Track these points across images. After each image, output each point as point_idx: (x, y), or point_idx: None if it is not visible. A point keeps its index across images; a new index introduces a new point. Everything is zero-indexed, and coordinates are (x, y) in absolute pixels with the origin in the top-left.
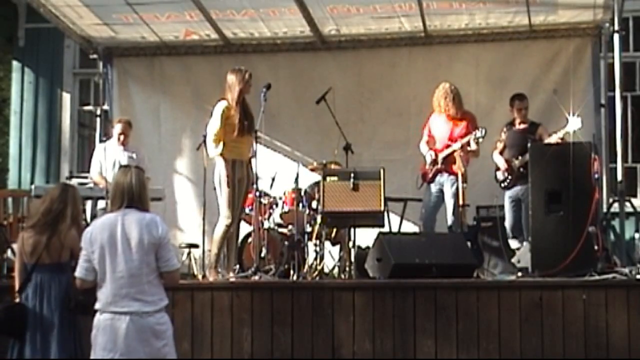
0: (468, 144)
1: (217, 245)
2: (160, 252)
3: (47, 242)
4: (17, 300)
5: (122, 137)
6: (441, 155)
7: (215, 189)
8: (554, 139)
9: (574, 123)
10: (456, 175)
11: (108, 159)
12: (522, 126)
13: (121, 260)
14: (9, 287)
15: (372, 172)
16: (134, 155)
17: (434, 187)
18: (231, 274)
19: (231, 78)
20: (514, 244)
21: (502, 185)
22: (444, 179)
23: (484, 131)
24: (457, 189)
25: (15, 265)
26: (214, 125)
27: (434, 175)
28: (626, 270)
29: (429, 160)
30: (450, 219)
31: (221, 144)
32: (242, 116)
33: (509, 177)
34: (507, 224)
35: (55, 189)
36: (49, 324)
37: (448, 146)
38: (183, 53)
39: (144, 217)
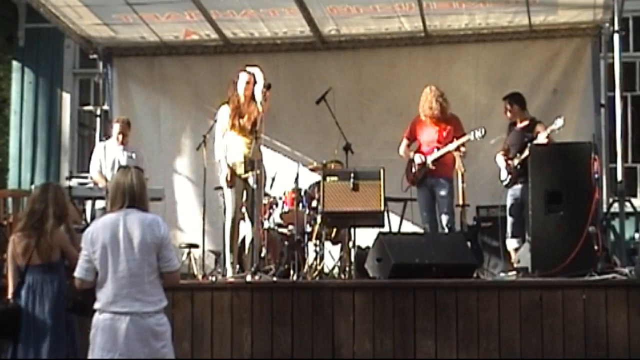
0: (463, 145)
1: (228, 245)
2: (162, 252)
3: (37, 243)
4: (12, 301)
5: (121, 137)
6: (430, 158)
7: (216, 188)
8: (541, 138)
9: (557, 122)
10: (446, 176)
11: (107, 158)
12: (522, 124)
13: (123, 260)
14: (5, 287)
15: (372, 172)
16: (133, 155)
17: (425, 190)
18: (248, 274)
19: (234, 80)
20: (513, 243)
21: (504, 183)
22: (434, 181)
23: (483, 131)
24: (449, 189)
25: (8, 268)
26: (220, 130)
27: (423, 178)
28: (626, 270)
29: (417, 162)
30: (444, 219)
31: (225, 147)
32: (237, 117)
33: (509, 175)
34: (508, 222)
35: (36, 189)
36: (41, 324)
37: (438, 149)
38: (183, 53)
39: (146, 217)
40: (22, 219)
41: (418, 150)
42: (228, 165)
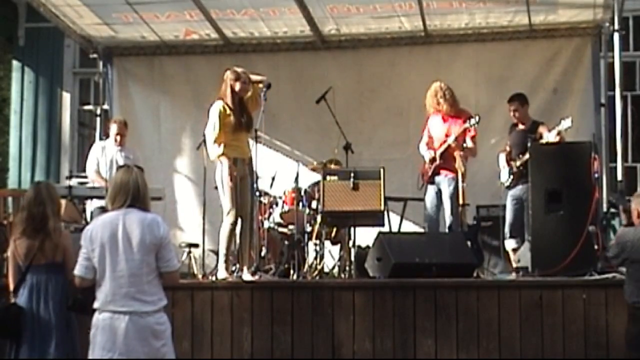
0: (464, 139)
1: (224, 245)
2: (161, 252)
3: (41, 244)
4: (13, 301)
5: (118, 138)
6: (438, 152)
7: (216, 188)
8: (552, 136)
9: (565, 123)
10: (454, 174)
11: (105, 158)
12: (523, 126)
13: (122, 260)
14: (6, 286)
15: (372, 172)
16: (131, 156)
17: (433, 188)
18: (245, 272)
19: (225, 77)
20: (511, 244)
21: (506, 185)
22: (441, 179)
23: (478, 118)
24: (454, 188)
25: (9, 268)
26: (212, 127)
27: (433, 175)
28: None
29: (428, 158)
30: (448, 219)
31: (222, 144)
32: (239, 114)
33: (511, 176)
34: (507, 222)
35: (29, 192)
36: (46, 324)
37: (445, 142)
38: (183, 52)
39: (146, 217)
40: (21, 224)
41: (430, 147)
42: (232, 164)
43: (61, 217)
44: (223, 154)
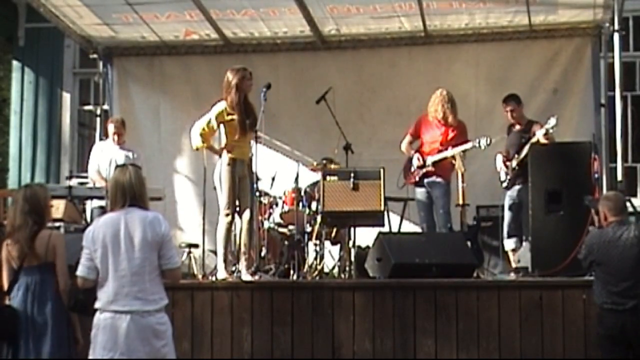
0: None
1: (222, 245)
2: (163, 249)
3: (31, 244)
4: (8, 302)
5: (116, 137)
6: (431, 160)
7: (214, 188)
8: (540, 136)
9: (550, 122)
10: (443, 178)
11: (105, 158)
12: (519, 126)
13: (124, 259)
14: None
15: (372, 172)
16: (130, 155)
17: (422, 190)
18: (245, 272)
19: (229, 77)
20: (510, 244)
21: (504, 185)
22: (430, 182)
23: (488, 140)
24: (445, 190)
25: (3, 271)
26: (205, 120)
27: (420, 178)
28: None
29: (415, 164)
30: (440, 220)
31: (201, 138)
32: (244, 116)
33: (508, 177)
34: (505, 222)
35: (18, 193)
36: (41, 324)
37: (439, 151)
38: (183, 53)
39: (147, 215)
40: (10, 225)
41: (419, 150)
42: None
43: (51, 218)
44: (228, 152)
